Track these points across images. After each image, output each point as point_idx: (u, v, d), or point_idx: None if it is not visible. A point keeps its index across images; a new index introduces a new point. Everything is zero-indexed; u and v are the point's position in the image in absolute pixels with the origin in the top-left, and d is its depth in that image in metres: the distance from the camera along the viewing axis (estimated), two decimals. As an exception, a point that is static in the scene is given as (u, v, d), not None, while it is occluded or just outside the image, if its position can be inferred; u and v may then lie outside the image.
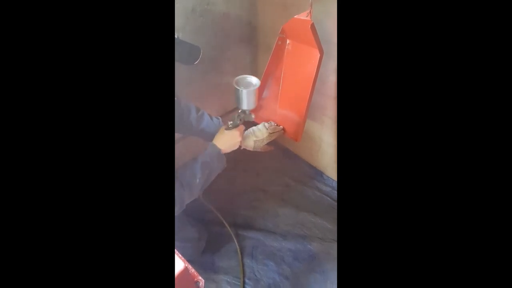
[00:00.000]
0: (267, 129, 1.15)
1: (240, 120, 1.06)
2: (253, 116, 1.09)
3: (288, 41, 1.16)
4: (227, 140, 1.03)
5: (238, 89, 1.00)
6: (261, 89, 1.23)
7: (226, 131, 1.04)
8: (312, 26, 1.01)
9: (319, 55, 1.06)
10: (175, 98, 1.11)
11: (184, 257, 0.54)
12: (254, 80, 1.05)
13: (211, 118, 1.15)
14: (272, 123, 1.20)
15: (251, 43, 1.60)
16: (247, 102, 1.03)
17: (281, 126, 1.20)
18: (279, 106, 1.25)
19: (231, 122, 1.05)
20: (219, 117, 1.17)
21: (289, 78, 1.20)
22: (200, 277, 0.55)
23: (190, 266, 0.57)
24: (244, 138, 1.11)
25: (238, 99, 1.03)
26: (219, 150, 1.00)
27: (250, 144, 1.12)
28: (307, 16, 1.01)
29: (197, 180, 0.94)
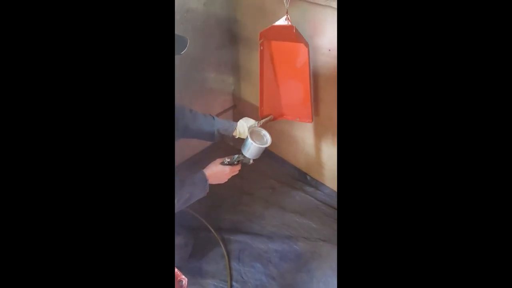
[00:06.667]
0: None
1: (238, 162, 1.08)
2: (251, 161, 1.11)
3: (271, 43, 1.21)
4: (217, 174, 1.05)
5: (249, 140, 1.02)
6: (261, 90, 1.27)
7: (219, 165, 1.06)
8: (296, 30, 1.07)
9: (306, 48, 1.12)
10: None
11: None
12: (266, 137, 1.08)
13: (205, 116, 1.15)
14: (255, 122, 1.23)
15: (232, 49, 1.63)
16: (253, 154, 1.05)
17: (270, 116, 1.28)
18: (283, 99, 1.32)
19: (229, 160, 1.07)
20: (212, 115, 1.17)
21: (284, 73, 1.27)
22: (183, 276, 0.56)
23: (173, 266, 0.57)
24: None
25: (245, 147, 1.05)
26: (207, 180, 1.03)
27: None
28: (286, 21, 1.06)
29: (175, 201, 0.96)
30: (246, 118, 1.17)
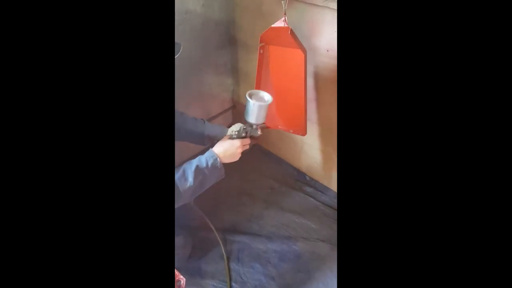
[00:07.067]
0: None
1: (246, 133, 1.02)
2: (259, 131, 1.05)
3: (270, 48, 1.20)
4: (227, 149, 0.98)
5: (250, 102, 0.98)
6: None
7: (228, 140, 1.00)
8: (292, 32, 1.06)
9: (303, 54, 1.11)
10: None
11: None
12: (266, 96, 1.03)
13: (195, 119, 1.13)
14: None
15: (231, 50, 1.63)
16: (256, 116, 1.00)
17: (263, 124, 1.23)
18: (278, 109, 1.29)
19: (236, 132, 1.02)
20: (203, 119, 1.17)
21: (280, 81, 1.25)
22: (181, 276, 0.56)
23: (171, 266, 0.58)
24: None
25: (248, 111, 1.00)
26: (217, 157, 0.96)
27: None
28: (283, 22, 1.06)
29: (188, 185, 0.89)
30: (237, 124, 1.12)
